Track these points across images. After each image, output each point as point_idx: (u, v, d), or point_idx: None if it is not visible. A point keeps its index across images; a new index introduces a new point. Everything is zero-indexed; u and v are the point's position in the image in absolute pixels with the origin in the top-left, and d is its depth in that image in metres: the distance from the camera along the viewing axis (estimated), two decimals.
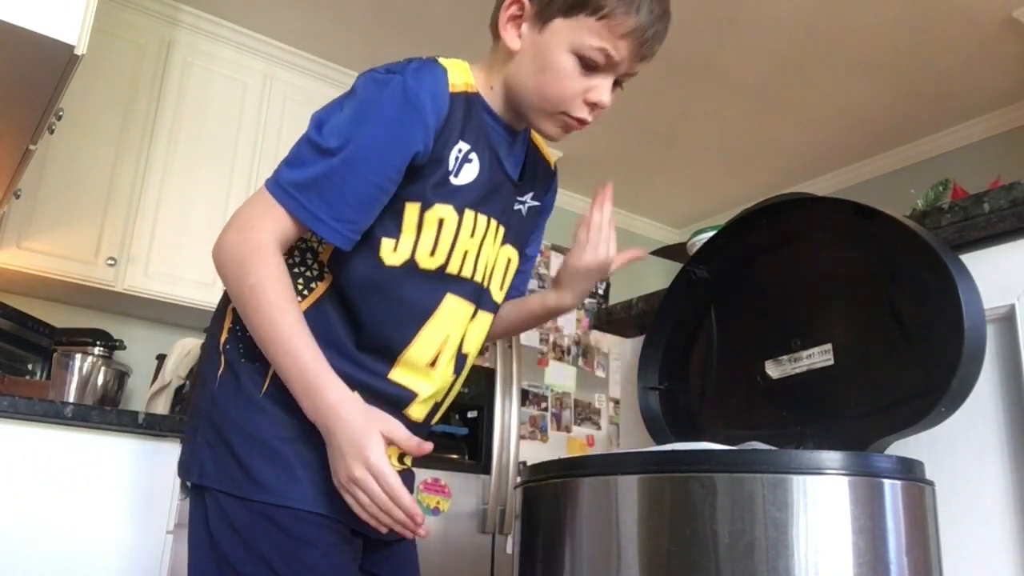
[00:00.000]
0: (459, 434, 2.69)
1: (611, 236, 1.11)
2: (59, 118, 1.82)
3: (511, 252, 1.12)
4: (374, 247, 0.96)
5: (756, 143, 3.88)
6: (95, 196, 2.73)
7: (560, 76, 0.97)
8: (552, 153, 1.22)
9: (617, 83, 1.02)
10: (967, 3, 2.85)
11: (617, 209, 4.59)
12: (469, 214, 0.99)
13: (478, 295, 1.05)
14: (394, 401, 1.01)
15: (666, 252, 2.18)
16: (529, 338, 2.89)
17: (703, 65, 3.28)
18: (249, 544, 0.91)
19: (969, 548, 0.89)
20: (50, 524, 1.71)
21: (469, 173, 0.99)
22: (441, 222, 0.97)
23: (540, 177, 1.16)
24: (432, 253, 0.98)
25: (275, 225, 0.92)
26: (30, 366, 2.67)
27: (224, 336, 1.01)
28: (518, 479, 0.98)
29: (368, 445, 0.87)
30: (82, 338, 2.71)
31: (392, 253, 0.96)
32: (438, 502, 2.52)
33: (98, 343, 2.70)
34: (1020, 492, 0.87)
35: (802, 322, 0.99)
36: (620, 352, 1.81)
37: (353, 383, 0.94)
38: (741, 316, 1.09)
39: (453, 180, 0.98)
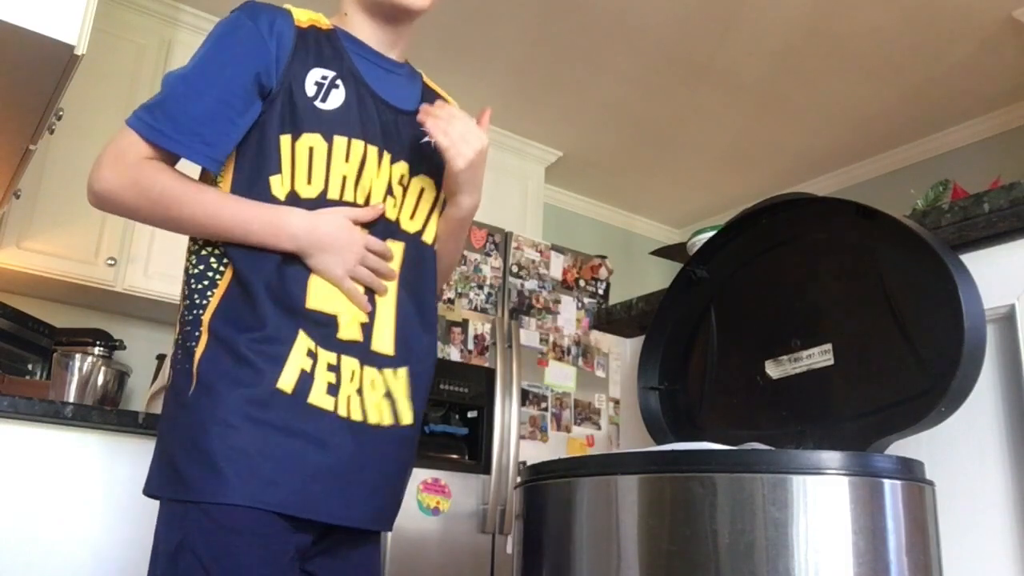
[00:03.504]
0: (459, 434, 2.69)
1: (468, 126, 1.08)
2: (59, 118, 1.82)
3: (425, 182, 1.14)
4: (266, 189, 1.01)
5: (756, 143, 3.88)
6: None
7: None
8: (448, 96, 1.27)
9: None
10: (967, 3, 2.85)
11: (617, 209, 4.62)
12: (340, 140, 1.03)
13: (379, 223, 1.07)
14: (324, 323, 1.02)
15: (666, 252, 2.18)
16: (529, 338, 2.90)
17: (703, 65, 3.28)
18: (180, 539, 0.94)
19: (969, 548, 0.89)
20: (50, 524, 1.71)
21: (336, 98, 1.04)
22: (311, 150, 1.02)
23: None
24: (309, 182, 1.02)
25: (140, 149, 0.98)
26: (30, 366, 2.67)
27: (172, 352, 1.06)
28: (518, 479, 0.98)
29: (349, 233, 1.01)
30: (82, 338, 2.71)
31: (280, 187, 1.02)
32: (438, 502, 2.52)
33: (98, 343, 2.70)
34: (1020, 492, 0.87)
35: (802, 322, 0.99)
36: (620, 352, 1.81)
37: (282, 327, 0.98)
38: (741, 316, 1.09)
39: (320, 105, 1.03)
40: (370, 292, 1.06)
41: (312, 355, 0.99)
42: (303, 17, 1.06)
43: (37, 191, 2.59)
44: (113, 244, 2.72)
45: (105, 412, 1.82)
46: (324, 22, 1.09)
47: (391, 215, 1.10)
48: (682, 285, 1.15)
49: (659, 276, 4.37)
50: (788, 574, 0.69)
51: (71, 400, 2.37)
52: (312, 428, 0.98)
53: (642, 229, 4.77)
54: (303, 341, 0.99)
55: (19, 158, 1.94)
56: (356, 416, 1.02)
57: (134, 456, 1.81)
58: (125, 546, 1.77)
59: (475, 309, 2.81)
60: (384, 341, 1.07)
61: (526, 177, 3.91)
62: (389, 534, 2.39)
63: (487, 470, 2.64)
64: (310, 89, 1.03)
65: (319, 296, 1.02)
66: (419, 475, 2.50)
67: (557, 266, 3.06)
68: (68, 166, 2.68)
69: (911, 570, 0.72)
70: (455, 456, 2.66)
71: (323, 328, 1.01)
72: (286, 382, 0.97)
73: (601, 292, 3.16)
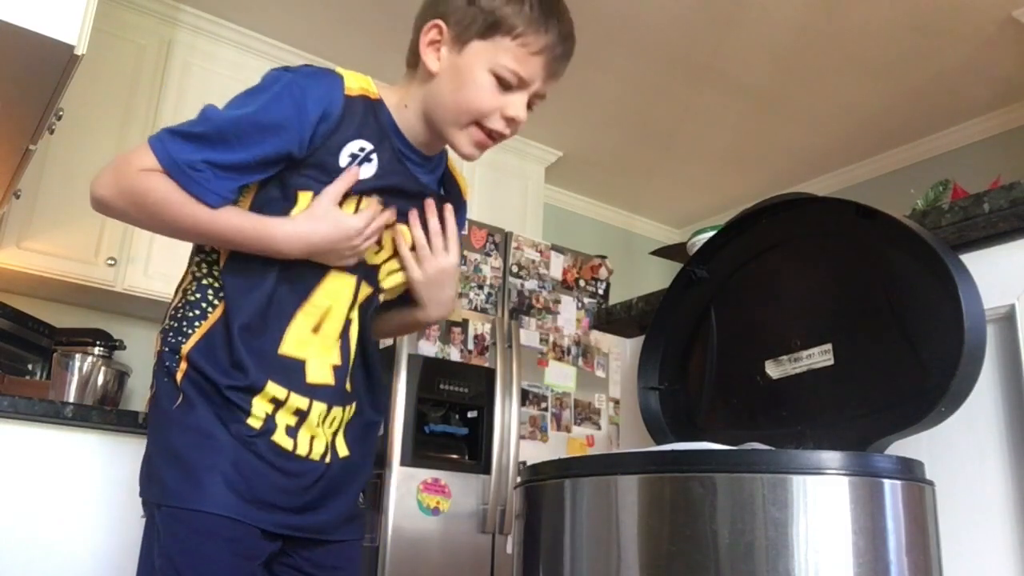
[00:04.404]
0: (459, 434, 2.69)
1: (451, 242, 1.16)
2: (59, 118, 1.82)
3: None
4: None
5: (756, 143, 3.88)
6: None
7: (479, 91, 1.04)
8: (466, 183, 1.28)
9: (530, 106, 1.08)
10: (967, 3, 2.85)
11: (617, 209, 4.61)
12: (352, 197, 1.06)
13: (364, 270, 1.12)
14: (293, 369, 1.06)
15: (666, 252, 2.18)
16: (529, 338, 2.89)
17: (703, 65, 3.28)
18: (160, 542, 0.99)
19: (969, 548, 0.89)
20: (50, 524, 1.71)
21: (367, 170, 1.06)
22: None
23: (450, 201, 1.22)
24: None
25: (150, 164, 0.98)
26: (30, 366, 2.67)
27: (155, 362, 1.09)
28: (518, 479, 0.98)
29: (341, 232, 1.03)
30: (82, 338, 2.71)
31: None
32: (438, 502, 2.52)
33: (98, 343, 2.70)
34: (1020, 492, 0.87)
35: (802, 322, 0.99)
36: (620, 352, 1.81)
37: (253, 374, 1.02)
38: (741, 316, 1.09)
39: None
40: (343, 337, 1.11)
41: (276, 402, 1.04)
42: (354, 84, 1.05)
43: (37, 191, 2.59)
44: (113, 244, 2.72)
45: (105, 412, 1.82)
46: (373, 91, 1.08)
47: (372, 260, 1.14)
48: (682, 285, 1.15)
49: (659, 276, 4.37)
50: (788, 574, 0.69)
51: (71, 400, 2.37)
52: (277, 459, 1.04)
53: (642, 229, 4.77)
54: (270, 389, 1.04)
55: (19, 158, 1.94)
56: (315, 455, 1.08)
57: (134, 456, 1.80)
58: (124, 546, 1.77)
59: (475, 309, 2.81)
60: (348, 379, 1.13)
61: (526, 177, 3.91)
62: (389, 534, 2.40)
63: (487, 470, 2.64)
64: (343, 160, 1.04)
65: (293, 342, 1.06)
66: (419, 475, 2.50)
67: (557, 266, 3.06)
68: (68, 166, 2.68)
69: (911, 570, 0.72)
70: (455, 456, 2.66)
71: (293, 373, 1.06)
72: (254, 421, 1.03)
73: (601, 292, 3.16)
